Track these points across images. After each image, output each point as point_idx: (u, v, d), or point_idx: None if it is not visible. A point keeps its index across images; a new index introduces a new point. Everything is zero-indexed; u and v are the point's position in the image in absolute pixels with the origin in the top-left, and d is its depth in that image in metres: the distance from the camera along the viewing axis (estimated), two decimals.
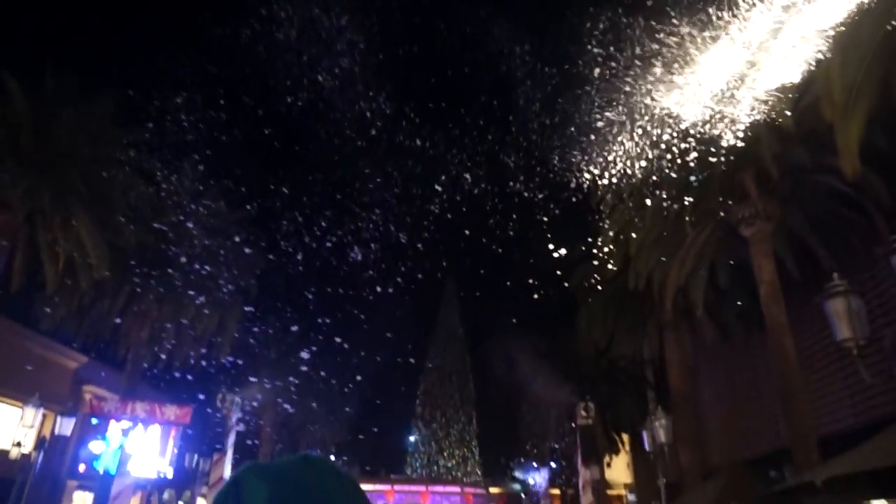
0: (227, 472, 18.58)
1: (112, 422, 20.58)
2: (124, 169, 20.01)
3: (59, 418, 17.94)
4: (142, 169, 20.98)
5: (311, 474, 0.94)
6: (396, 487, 24.31)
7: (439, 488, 25.83)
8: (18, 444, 16.13)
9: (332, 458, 32.52)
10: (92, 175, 18.60)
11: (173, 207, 23.39)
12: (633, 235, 16.91)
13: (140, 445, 20.71)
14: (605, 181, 12.90)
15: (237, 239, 25.87)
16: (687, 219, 14.93)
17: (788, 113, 11.24)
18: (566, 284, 23.47)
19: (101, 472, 20.13)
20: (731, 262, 15.46)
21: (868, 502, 12.81)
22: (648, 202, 14.16)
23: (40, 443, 15.02)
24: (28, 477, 14.53)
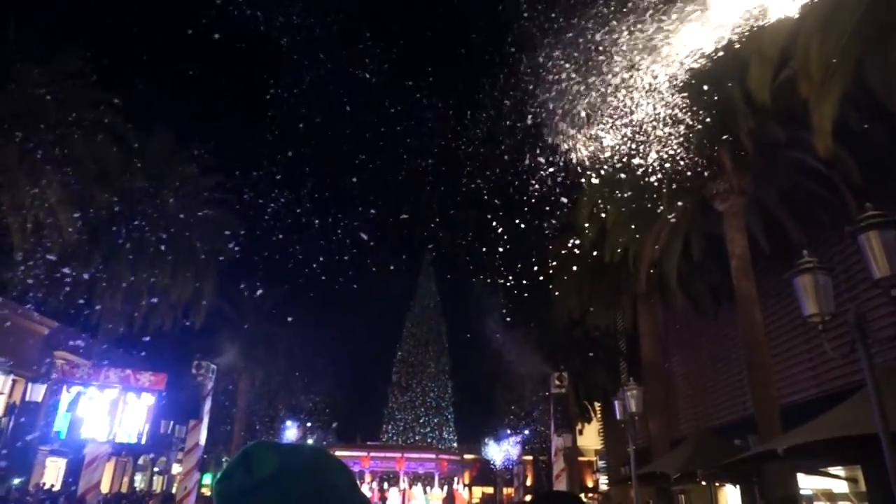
0: (203, 438, 18.58)
1: (82, 387, 20.40)
2: (95, 131, 19.44)
3: (29, 384, 17.74)
4: (113, 131, 20.42)
5: (319, 458, 0.97)
6: (372, 454, 24.61)
7: (414, 455, 26.23)
8: None
9: (308, 424, 32.82)
10: (60, 136, 18.06)
11: (146, 171, 22.90)
12: (609, 209, 17.03)
13: (112, 412, 20.61)
14: (583, 155, 12.90)
15: (211, 204, 25.49)
16: (662, 193, 15.07)
17: (765, 88, 11.31)
18: (542, 256, 23.64)
19: (72, 438, 20.05)
20: (705, 235, 15.70)
21: (826, 469, 13.36)
22: (624, 176, 14.23)
23: (10, 408, 14.84)
24: None
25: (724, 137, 13.09)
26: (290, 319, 32.89)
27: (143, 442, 21.84)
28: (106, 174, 20.37)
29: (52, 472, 26.19)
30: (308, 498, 0.89)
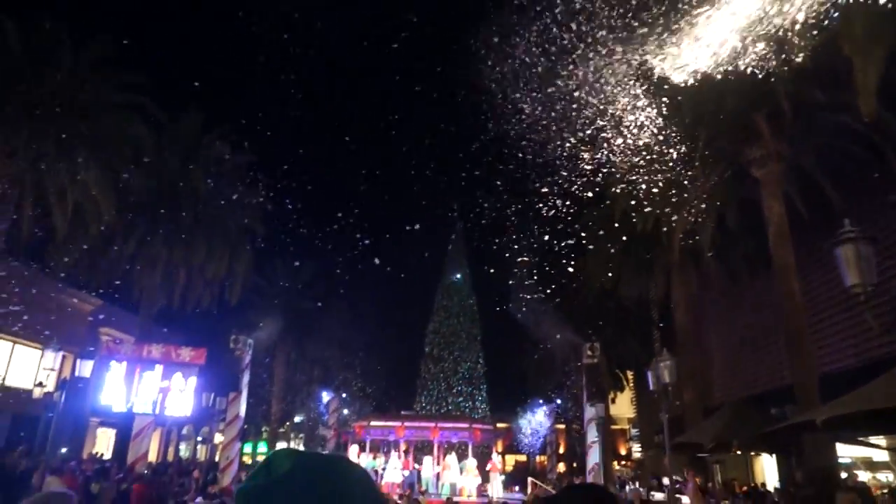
0: (242, 410, 19.18)
1: (127, 363, 21.19)
2: (127, 113, 19.79)
3: (78, 360, 18.47)
4: (145, 114, 20.76)
5: (333, 462, 1.06)
6: (406, 423, 25.02)
7: (448, 424, 26.60)
8: (40, 385, 16.69)
9: (344, 395, 33.54)
10: (94, 120, 18.43)
11: (177, 152, 23.28)
12: (643, 177, 16.71)
13: (158, 386, 21.38)
14: (615, 125, 12.64)
15: (243, 183, 25.82)
16: (697, 159, 14.71)
17: (803, 48, 10.86)
18: (575, 226, 23.41)
19: (124, 412, 20.89)
20: (740, 204, 15.32)
21: (866, 439, 13.15)
22: (658, 146, 13.91)
23: (61, 383, 15.50)
24: (53, 415, 15.10)
25: (761, 102, 12.66)
26: (323, 294, 33.47)
27: (187, 414, 22.68)
28: (139, 156, 20.78)
29: (103, 442, 27.45)
30: (320, 496, 0.98)
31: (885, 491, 13.98)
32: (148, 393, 20.91)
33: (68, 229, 18.69)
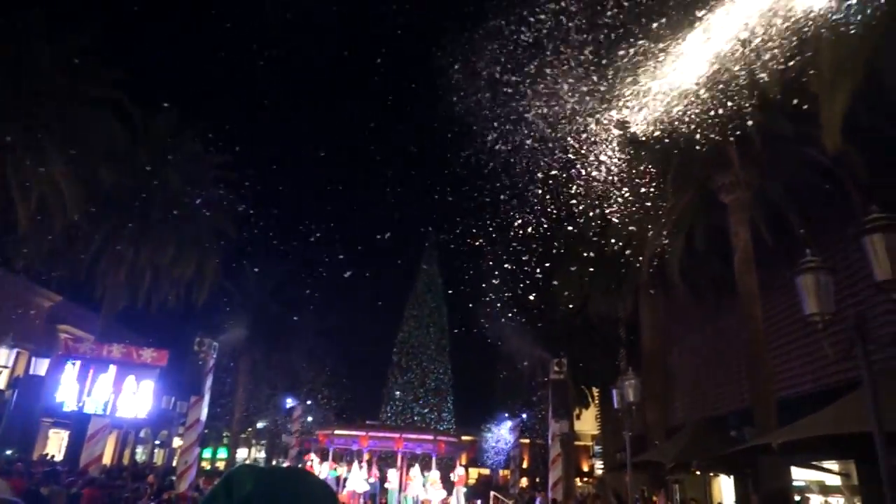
0: (204, 414, 18.80)
1: (82, 362, 20.61)
2: (100, 108, 19.40)
3: (33, 358, 17.90)
4: (119, 109, 20.38)
5: (294, 477, 1.02)
6: (371, 434, 24.78)
7: (413, 435, 26.41)
8: None
9: (309, 402, 33.11)
10: (65, 112, 18.02)
11: (150, 149, 22.88)
12: (613, 198, 16.99)
13: (116, 387, 20.84)
14: (586, 148, 12.87)
15: (215, 183, 25.49)
16: (668, 183, 15.03)
17: (774, 82, 11.23)
18: (546, 244, 23.63)
19: (76, 411, 20.28)
20: (708, 228, 15.67)
21: (820, 463, 13.48)
22: (630, 168, 14.20)
23: (14, 381, 15.00)
24: (2, 414, 14.59)
25: (732, 131, 13.02)
26: (292, 300, 33.11)
27: (144, 416, 22.14)
28: (111, 152, 20.36)
29: (55, 444, 26.58)
30: None
31: None
32: (100, 393, 20.37)
33: (31, 223, 18.17)
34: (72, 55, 18.12)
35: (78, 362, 20.57)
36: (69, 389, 20.26)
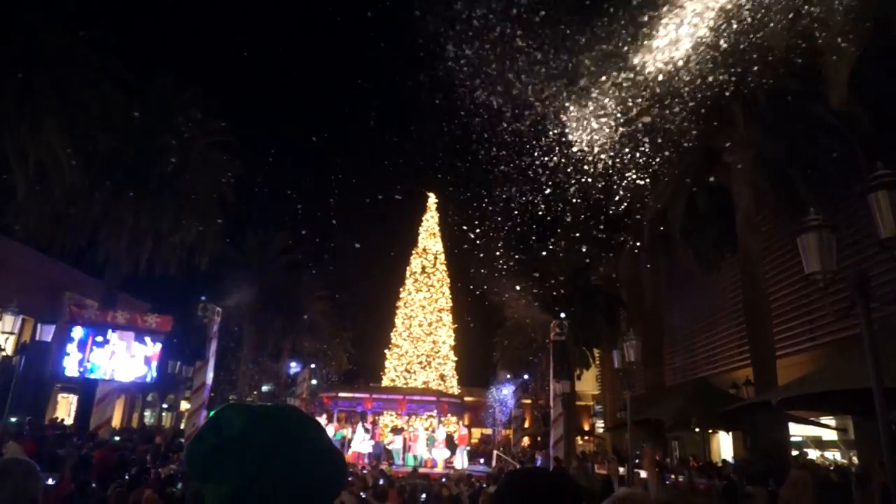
0: (209, 378, 19.02)
1: (90, 328, 20.82)
2: (95, 73, 19.07)
3: (39, 325, 18.02)
4: (115, 74, 20.04)
5: (285, 417, 1.00)
6: (374, 396, 25.20)
7: (416, 397, 26.85)
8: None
9: (312, 365, 33.52)
10: (60, 78, 17.72)
11: (147, 114, 22.59)
12: (615, 159, 16.82)
13: (123, 351, 21.08)
14: (588, 109, 12.65)
15: (214, 148, 25.27)
16: (670, 143, 14.84)
17: (781, 38, 10.96)
18: (549, 206, 23.52)
19: (84, 376, 20.57)
20: (710, 189, 15.54)
21: (817, 419, 13.68)
22: (631, 127, 13.99)
23: (21, 348, 15.15)
24: (12, 380, 14.76)
25: (735, 89, 12.78)
26: (295, 263, 33.21)
27: (149, 380, 22.44)
28: (108, 117, 20.10)
29: (64, 408, 27.02)
30: (271, 454, 0.92)
31: (832, 468, 14.62)
32: (105, 358, 20.61)
33: (30, 189, 18.07)
34: (63, 17, 17.72)
35: (84, 328, 20.76)
36: (75, 355, 20.50)
